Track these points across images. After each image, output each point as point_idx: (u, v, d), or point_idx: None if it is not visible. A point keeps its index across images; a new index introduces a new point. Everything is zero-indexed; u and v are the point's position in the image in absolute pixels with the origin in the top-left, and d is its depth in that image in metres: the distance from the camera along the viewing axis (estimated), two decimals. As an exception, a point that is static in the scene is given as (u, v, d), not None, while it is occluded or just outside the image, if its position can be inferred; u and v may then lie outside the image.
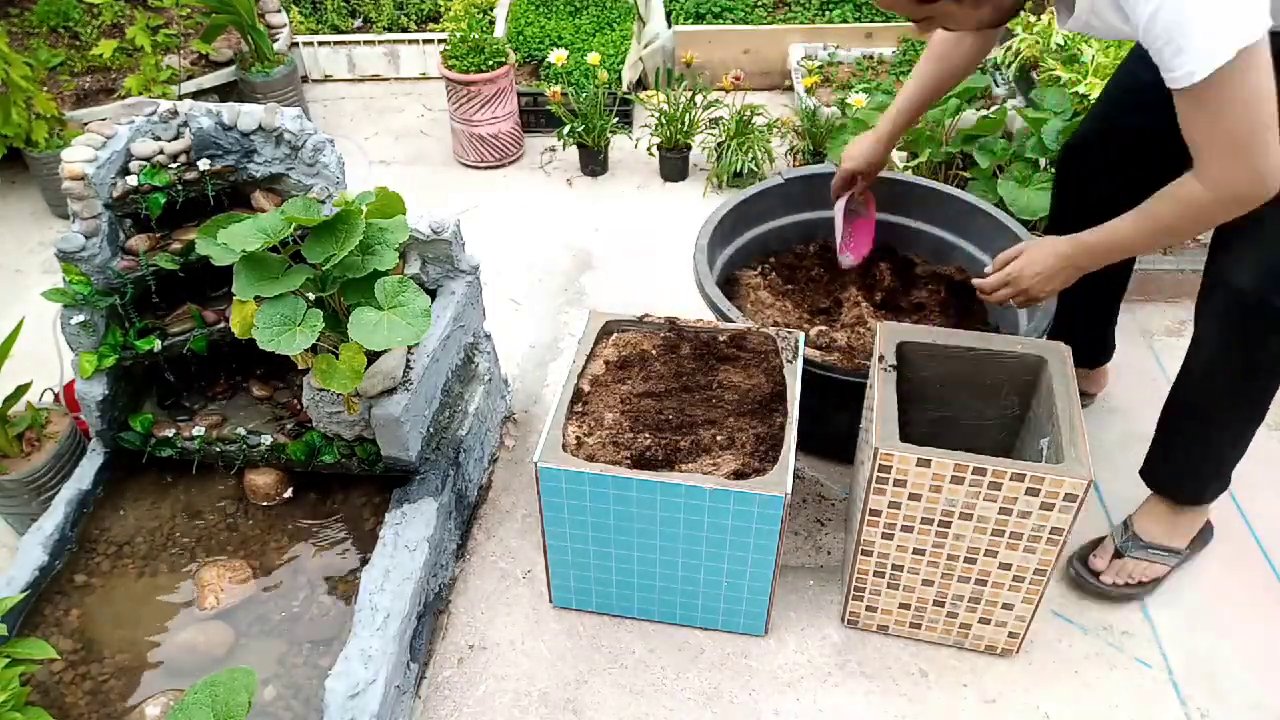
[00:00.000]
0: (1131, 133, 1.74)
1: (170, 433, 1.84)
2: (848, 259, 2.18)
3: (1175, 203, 1.44)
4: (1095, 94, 2.65)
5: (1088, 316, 2.09)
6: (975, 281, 1.79)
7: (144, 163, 1.76)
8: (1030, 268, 1.66)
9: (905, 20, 1.54)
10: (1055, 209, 2.02)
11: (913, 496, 1.53)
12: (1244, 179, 1.35)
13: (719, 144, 3.00)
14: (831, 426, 1.95)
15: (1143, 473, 1.82)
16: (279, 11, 3.48)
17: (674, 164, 3.07)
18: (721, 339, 1.82)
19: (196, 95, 3.18)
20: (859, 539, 1.63)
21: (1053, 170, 2.45)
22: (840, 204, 2.11)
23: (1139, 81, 1.64)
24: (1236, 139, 1.31)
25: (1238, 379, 1.60)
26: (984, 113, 2.81)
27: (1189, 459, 1.74)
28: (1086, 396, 2.21)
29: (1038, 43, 2.95)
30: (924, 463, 1.48)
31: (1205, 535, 1.87)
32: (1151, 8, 1.26)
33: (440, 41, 3.59)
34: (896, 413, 1.55)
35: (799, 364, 1.74)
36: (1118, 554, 1.81)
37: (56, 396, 2.05)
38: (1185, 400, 1.70)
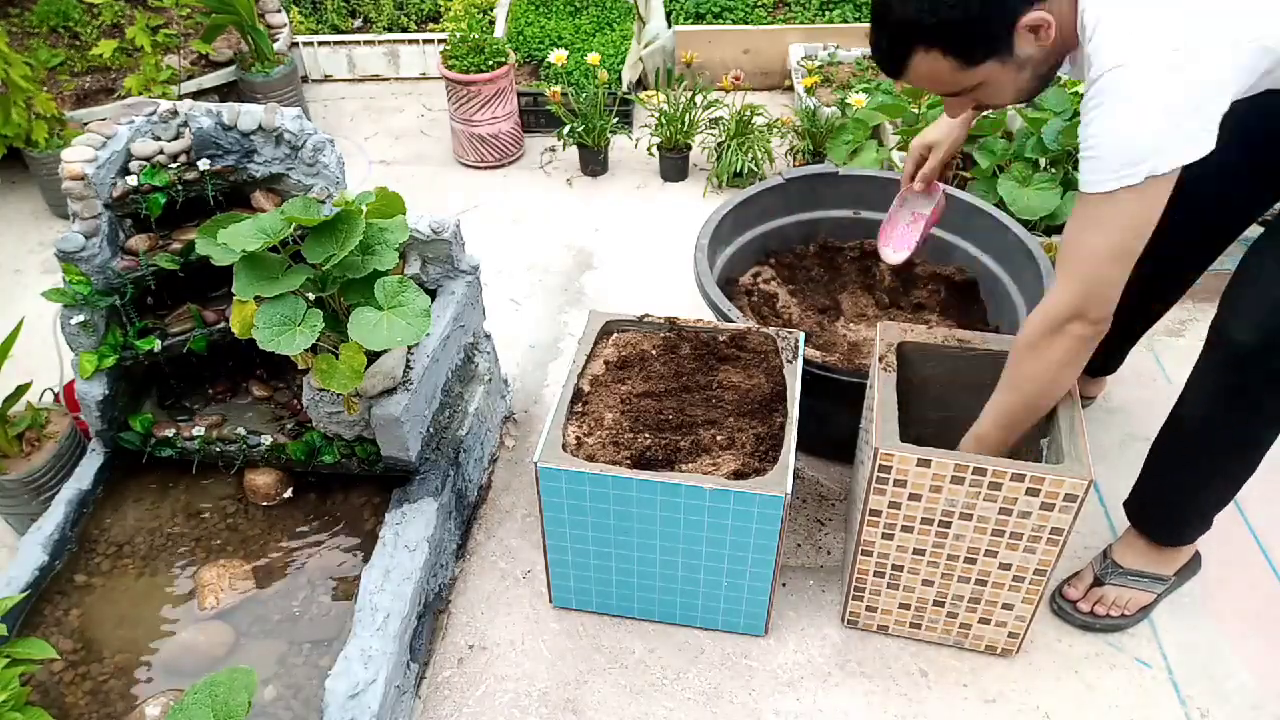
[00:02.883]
0: (1213, 197, 1.63)
1: (170, 433, 1.84)
2: (887, 252, 1.98)
3: (1014, 347, 1.46)
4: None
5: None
6: None
7: (144, 163, 1.76)
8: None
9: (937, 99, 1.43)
10: None
11: (913, 496, 1.53)
12: (1073, 303, 1.34)
13: (719, 144, 3.00)
14: (831, 426, 1.95)
15: (1126, 506, 1.80)
16: (279, 11, 3.48)
17: (674, 164, 3.07)
18: (721, 339, 1.82)
19: (196, 95, 3.19)
20: (859, 539, 1.63)
21: (1052, 170, 2.46)
22: (901, 193, 1.95)
23: (1228, 154, 1.38)
24: (1098, 258, 1.31)
25: (1232, 437, 1.57)
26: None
27: (1174, 504, 1.72)
28: (1085, 399, 2.21)
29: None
30: (924, 463, 1.48)
31: (1194, 565, 1.84)
32: (1091, 115, 1.24)
33: (440, 41, 3.59)
34: (896, 413, 1.55)
35: (799, 364, 1.74)
36: (1097, 582, 1.78)
37: (56, 396, 2.05)
38: (1175, 449, 1.66)
